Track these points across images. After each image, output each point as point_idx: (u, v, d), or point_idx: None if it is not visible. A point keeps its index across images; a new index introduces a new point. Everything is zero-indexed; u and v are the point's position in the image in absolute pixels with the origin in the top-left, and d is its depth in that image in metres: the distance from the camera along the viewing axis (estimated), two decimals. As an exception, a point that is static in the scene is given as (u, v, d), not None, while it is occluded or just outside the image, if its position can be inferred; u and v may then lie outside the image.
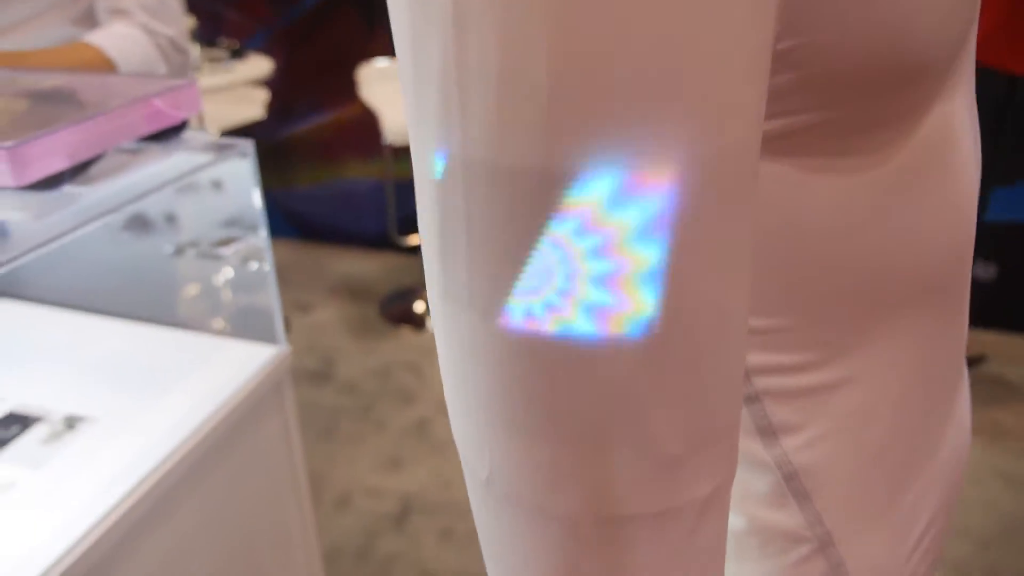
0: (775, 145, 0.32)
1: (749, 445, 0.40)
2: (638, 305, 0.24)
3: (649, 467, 0.26)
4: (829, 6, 0.28)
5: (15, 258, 0.60)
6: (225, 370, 0.88)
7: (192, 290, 1.10)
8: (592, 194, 0.23)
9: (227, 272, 1.06)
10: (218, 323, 1.04)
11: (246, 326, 0.97)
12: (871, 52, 0.29)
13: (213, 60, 2.34)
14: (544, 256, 0.24)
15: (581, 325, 0.24)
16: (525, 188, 0.23)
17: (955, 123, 0.36)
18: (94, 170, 0.69)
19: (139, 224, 1.10)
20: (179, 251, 1.06)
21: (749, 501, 0.41)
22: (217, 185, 0.93)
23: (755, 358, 0.38)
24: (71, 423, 0.81)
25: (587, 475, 0.26)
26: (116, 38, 1.00)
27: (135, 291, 1.07)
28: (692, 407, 0.26)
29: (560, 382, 0.25)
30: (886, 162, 0.34)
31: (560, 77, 0.22)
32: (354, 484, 1.75)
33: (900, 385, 0.40)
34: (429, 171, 0.25)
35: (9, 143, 0.58)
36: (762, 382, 0.38)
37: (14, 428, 0.80)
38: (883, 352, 0.38)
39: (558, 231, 0.23)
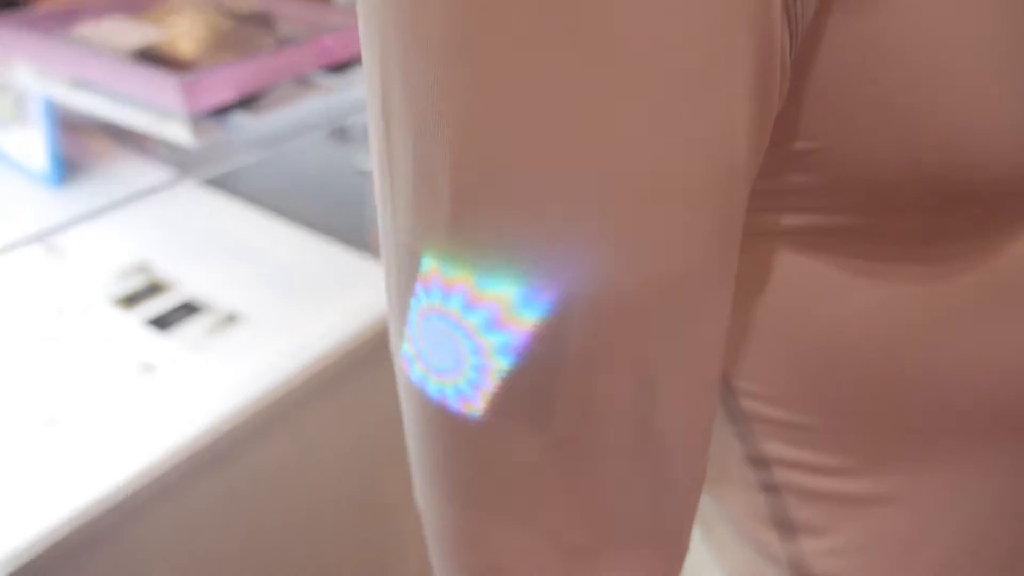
0: (808, 239, 0.29)
1: (763, 535, 0.38)
2: (533, 400, 0.25)
3: (548, 550, 0.27)
4: (851, 107, 0.24)
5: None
6: (380, 295, 0.95)
7: (372, 212, 1.17)
8: (490, 299, 0.23)
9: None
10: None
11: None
12: (906, 166, 0.25)
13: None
14: (447, 343, 0.24)
15: (484, 409, 0.25)
16: (410, 266, 0.24)
17: None
18: (265, 101, 0.75)
19: (340, 139, 1.18)
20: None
21: (758, 586, 0.39)
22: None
23: (778, 448, 0.35)
24: (232, 318, 0.91)
25: (487, 538, 0.27)
26: None
27: (325, 204, 1.17)
28: (600, 503, 0.26)
29: (475, 454, 0.26)
30: (955, 277, 0.29)
31: (460, 186, 0.22)
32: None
33: (968, 517, 0.35)
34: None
35: (185, 76, 0.65)
36: (783, 474, 0.36)
37: (182, 312, 0.92)
38: (951, 476, 0.34)
39: (459, 329, 0.24)
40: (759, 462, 0.35)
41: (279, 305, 0.94)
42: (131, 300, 0.94)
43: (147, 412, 0.79)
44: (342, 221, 1.11)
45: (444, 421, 0.26)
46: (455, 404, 0.26)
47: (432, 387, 0.26)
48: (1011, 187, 0.26)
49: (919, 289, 0.30)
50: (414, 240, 0.24)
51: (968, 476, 0.34)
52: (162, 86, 0.65)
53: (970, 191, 0.26)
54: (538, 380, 0.24)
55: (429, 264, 0.24)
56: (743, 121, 0.22)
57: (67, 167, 1.15)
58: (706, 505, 0.41)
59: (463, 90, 0.21)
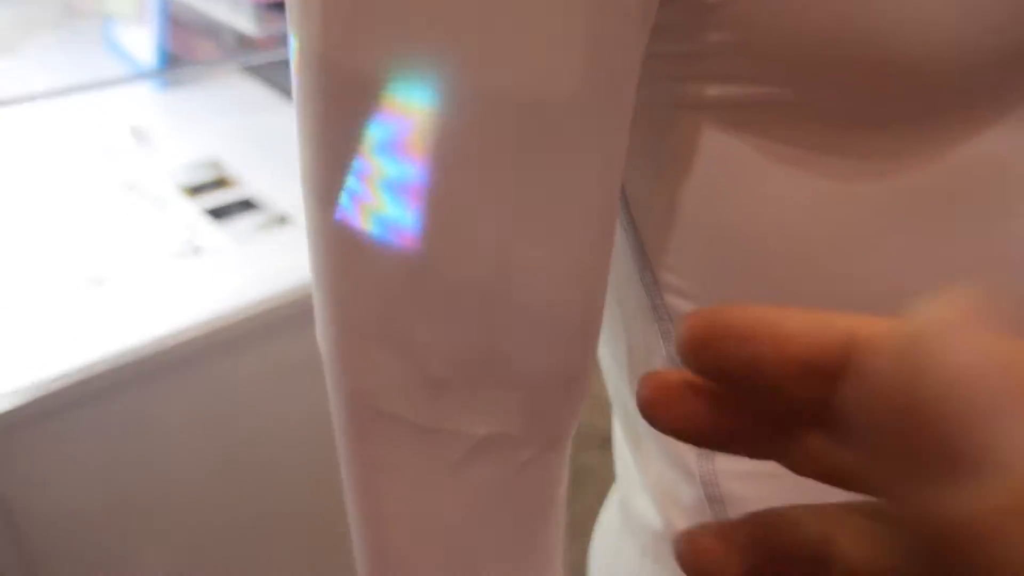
0: (733, 115, 0.28)
1: (682, 449, 0.36)
2: (399, 216, 0.24)
3: (412, 377, 0.27)
4: None
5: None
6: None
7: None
8: (367, 103, 0.23)
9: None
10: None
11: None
12: (822, 31, 0.24)
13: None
14: (339, 151, 0.25)
15: (359, 221, 0.25)
16: (331, 83, 0.24)
17: (1014, 160, 0.27)
18: None
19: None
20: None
21: (671, 504, 0.38)
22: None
23: None
24: (283, 219, 0.94)
25: (360, 362, 0.28)
26: None
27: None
28: (465, 341, 0.26)
29: (347, 272, 0.27)
30: (887, 178, 0.27)
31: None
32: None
33: None
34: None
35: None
36: None
37: (239, 207, 0.95)
38: None
39: (349, 131, 0.24)
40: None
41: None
42: (196, 190, 0.99)
43: (186, 287, 0.83)
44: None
45: (329, 241, 0.27)
46: (342, 218, 0.26)
47: (329, 200, 0.26)
48: (946, 76, 0.24)
49: (847, 187, 0.28)
50: (321, 47, 0.24)
51: None
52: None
53: (899, 73, 0.24)
54: (407, 194, 0.24)
55: (329, 62, 0.24)
56: None
57: (169, 63, 1.21)
58: (636, 415, 0.40)
59: None
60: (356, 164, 0.25)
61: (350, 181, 0.25)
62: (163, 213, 0.94)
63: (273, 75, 1.22)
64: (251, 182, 1.01)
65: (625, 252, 0.33)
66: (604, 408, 0.43)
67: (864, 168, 0.27)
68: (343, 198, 0.25)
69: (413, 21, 0.22)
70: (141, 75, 1.22)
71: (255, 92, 1.22)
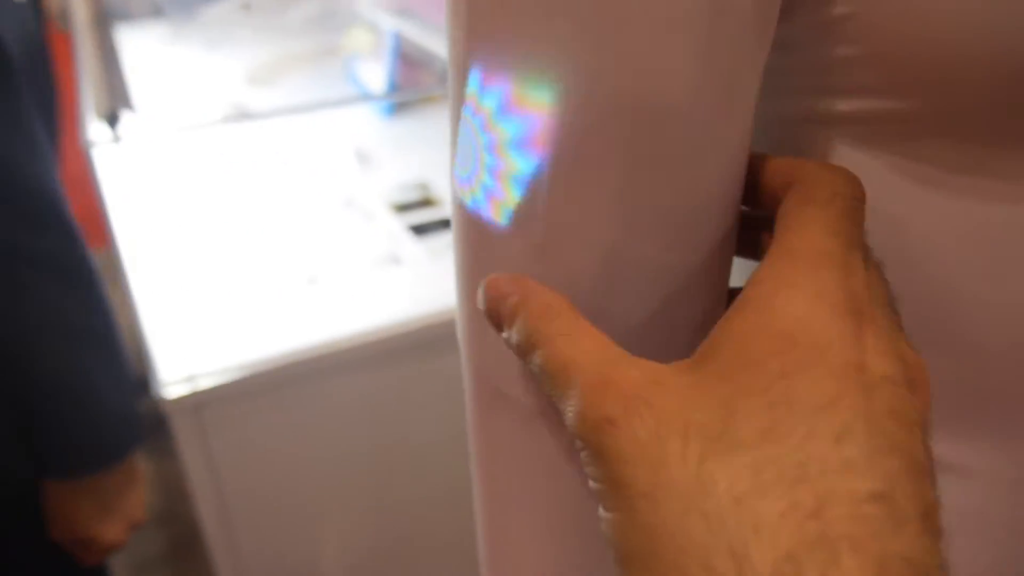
0: (866, 130, 0.28)
1: None
2: (522, 208, 0.26)
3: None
4: None
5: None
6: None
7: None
8: (489, 98, 0.26)
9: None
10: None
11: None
12: (954, 40, 0.23)
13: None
14: (473, 144, 0.27)
15: (487, 211, 0.27)
16: (459, 78, 0.27)
17: None
18: None
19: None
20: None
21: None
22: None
23: None
24: (476, 238, 1.01)
25: (479, 343, 0.30)
26: None
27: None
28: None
29: (476, 259, 0.29)
30: None
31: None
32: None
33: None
34: None
35: None
36: None
37: (440, 225, 1.04)
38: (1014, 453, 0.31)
39: (473, 122, 0.27)
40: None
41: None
42: (404, 207, 1.09)
43: (385, 292, 0.92)
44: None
45: (463, 230, 0.29)
46: (474, 209, 0.28)
47: (463, 196, 0.28)
48: None
49: (984, 208, 0.27)
50: (450, 45, 0.27)
51: None
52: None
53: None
54: (529, 186, 0.26)
55: (466, 69, 0.27)
56: None
57: (400, 106, 1.34)
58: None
59: None
60: (487, 157, 0.27)
61: (481, 173, 0.28)
62: (372, 226, 1.05)
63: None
64: (452, 203, 1.09)
65: (752, 267, 0.34)
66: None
67: (1002, 189, 0.26)
68: (476, 189, 0.28)
69: (540, 26, 0.24)
70: (365, 98, 1.36)
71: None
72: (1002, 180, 0.26)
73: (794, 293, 0.22)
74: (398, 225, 1.05)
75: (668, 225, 0.26)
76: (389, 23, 1.28)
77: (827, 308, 0.21)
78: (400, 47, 1.31)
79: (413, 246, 1.00)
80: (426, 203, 1.10)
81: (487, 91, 0.26)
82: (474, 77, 0.27)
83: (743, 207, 0.29)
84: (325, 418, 0.89)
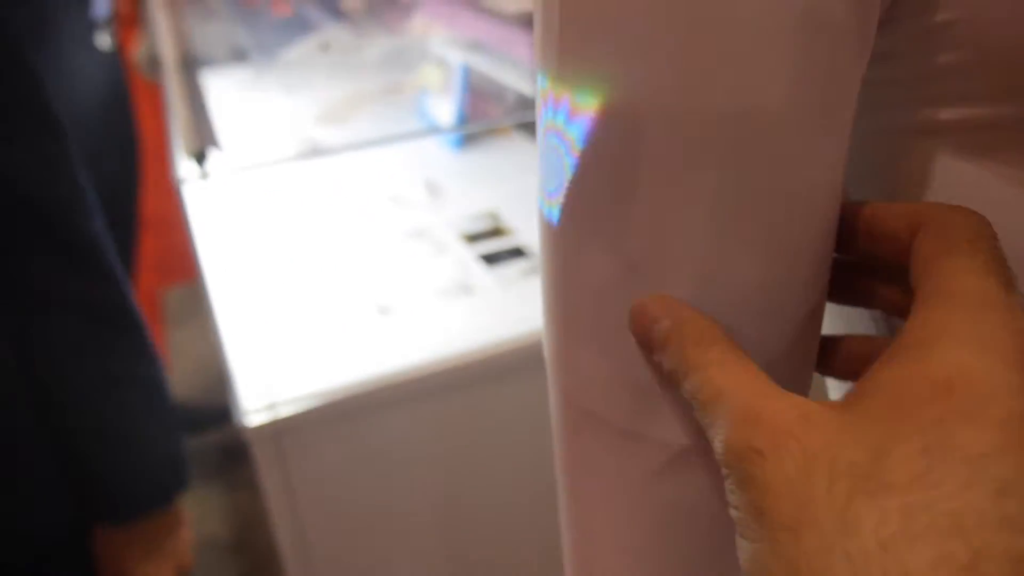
0: (971, 139, 0.27)
1: None
2: (612, 226, 0.26)
3: (618, 379, 0.28)
4: None
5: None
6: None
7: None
8: (570, 118, 0.26)
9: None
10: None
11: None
12: None
13: None
14: (560, 164, 0.28)
15: (576, 230, 0.28)
16: (544, 99, 0.28)
17: None
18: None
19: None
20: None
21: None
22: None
23: None
24: (546, 267, 1.02)
25: (566, 363, 0.30)
26: None
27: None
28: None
29: (566, 277, 0.29)
30: None
31: (567, 12, 0.26)
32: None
33: None
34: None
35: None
36: None
37: (510, 254, 1.05)
38: None
39: (567, 145, 0.27)
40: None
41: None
42: (474, 237, 1.10)
43: (457, 321, 0.93)
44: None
45: (551, 249, 0.29)
46: (563, 227, 0.28)
47: (546, 210, 0.29)
48: None
49: None
50: (538, 62, 0.27)
51: None
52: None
53: None
54: (617, 196, 0.26)
55: (545, 85, 0.28)
56: None
57: (469, 139, 1.37)
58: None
59: None
60: (575, 176, 0.27)
61: (568, 191, 0.27)
62: (444, 256, 1.06)
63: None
64: (522, 232, 1.10)
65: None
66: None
67: None
68: (564, 208, 0.28)
69: (635, 44, 0.24)
70: (434, 131, 1.39)
71: (532, 151, 1.33)
72: None
73: (954, 340, 0.21)
74: (469, 255, 1.06)
75: (763, 241, 0.26)
76: (458, 57, 1.31)
77: (992, 355, 0.21)
78: (469, 80, 1.34)
79: (484, 275, 1.01)
80: (496, 233, 1.11)
81: (571, 113, 0.27)
82: (560, 96, 0.27)
83: (855, 255, 0.29)
84: (400, 445, 0.91)
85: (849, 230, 0.28)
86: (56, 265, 0.67)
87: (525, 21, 0.92)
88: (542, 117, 0.29)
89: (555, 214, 0.28)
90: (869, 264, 0.29)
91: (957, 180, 0.28)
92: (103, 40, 1.34)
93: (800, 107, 0.24)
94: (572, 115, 0.27)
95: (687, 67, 0.24)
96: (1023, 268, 0.28)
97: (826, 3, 0.23)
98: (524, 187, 1.23)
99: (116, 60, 1.42)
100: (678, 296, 0.26)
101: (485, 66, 0.99)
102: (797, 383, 0.29)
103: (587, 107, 0.26)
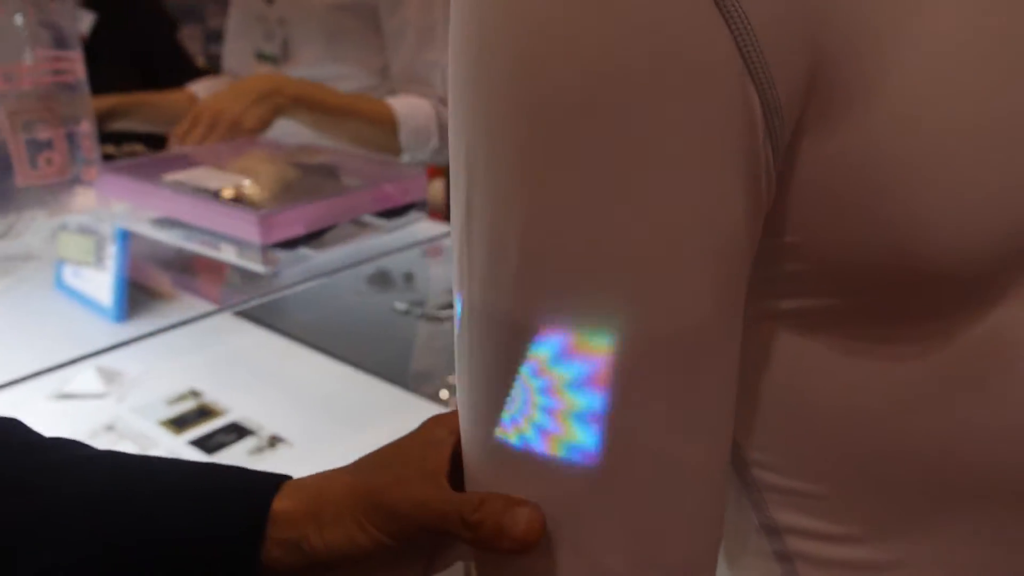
0: (803, 321, 0.35)
1: None
2: (577, 439, 0.30)
3: (587, 572, 0.31)
4: (827, 208, 0.30)
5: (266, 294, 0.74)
6: (412, 425, 0.99)
7: (408, 347, 1.23)
8: (544, 348, 0.29)
9: (444, 335, 1.18)
10: (422, 382, 1.16)
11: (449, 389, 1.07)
12: (876, 254, 0.31)
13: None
14: (512, 385, 0.30)
15: (538, 447, 0.30)
16: (501, 334, 0.30)
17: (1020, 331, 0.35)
18: (327, 237, 0.84)
19: (380, 280, 1.27)
20: (408, 310, 1.21)
21: None
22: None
23: (789, 517, 0.39)
24: (273, 442, 0.96)
25: (542, 564, 0.31)
26: (406, 105, 1.21)
27: (362, 339, 1.23)
28: (636, 535, 0.30)
29: (521, 482, 0.31)
30: (922, 357, 0.35)
31: (526, 255, 0.28)
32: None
33: None
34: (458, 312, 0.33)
35: (260, 211, 0.74)
36: (795, 543, 0.39)
37: (232, 436, 0.96)
38: (947, 543, 0.38)
39: (522, 370, 0.30)
40: (773, 531, 0.39)
41: (318, 430, 0.98)
42: (180, 423, 1.00)
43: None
44: (379, 357, 1.17)
45: (507, 469, 0.31)
46: (511, 436, 0.31)
47: (495, 424, 0.31)
48: (959, 281, 0.32)
49: (897, 367, 0.35)
50: (486, 304, 0.30)
51: (970, 541, 0.37)
52: (242, 220, 0.75)
53: (927, 281, 0.32)
54: (591, 417, 0.29)
55: (499, 318, 0.30)
56: (739, 214, 0.29)
57: (130, 303, 1.24)
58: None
59: (532, 189, 0.28)
60: (529, 398, 0.30)
61: (534, 413, 0.30)
62: (152, 450, 0.94)
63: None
64: (234, 408, 1.02)
65: None
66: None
67: (907, 351, 0.34)
68: (521, 428, 0.30)
69: (571, 279, 0.28)
70: (101, 314, 1.24)
71: (215, 317, 1.25)
72: (906, 343, 0.35)
73: None
74: (179, 443, 0.95)
75: (706, 425, 0.31)
76: (130, 226, 1.20)
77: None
78: (128, 257, 1.23)
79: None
80: (204, 412, 1.02)
81: (542, 342, 0.30)
82: (503, 330, 0.30)
83: None
84: None
85: None
86: None
87: (221, 199, 0.89)
88: (481, 347, 0.31)
89: (511, 439, 0.31)
90: None
91: (796, 351, 0.36)
92: None
93: (719, 315, 0.30)
94: (523, 348, 0.30)
95: (637, 301, 0.29)
96: (857, 412, 0.36)
97: (734, 232, 0.29)
98: (217, 356, 1.14)
99: None
100: (642, 484, 0.31)
101: (179, 238, 0.92)
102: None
103: (536, 339, 0.30)
